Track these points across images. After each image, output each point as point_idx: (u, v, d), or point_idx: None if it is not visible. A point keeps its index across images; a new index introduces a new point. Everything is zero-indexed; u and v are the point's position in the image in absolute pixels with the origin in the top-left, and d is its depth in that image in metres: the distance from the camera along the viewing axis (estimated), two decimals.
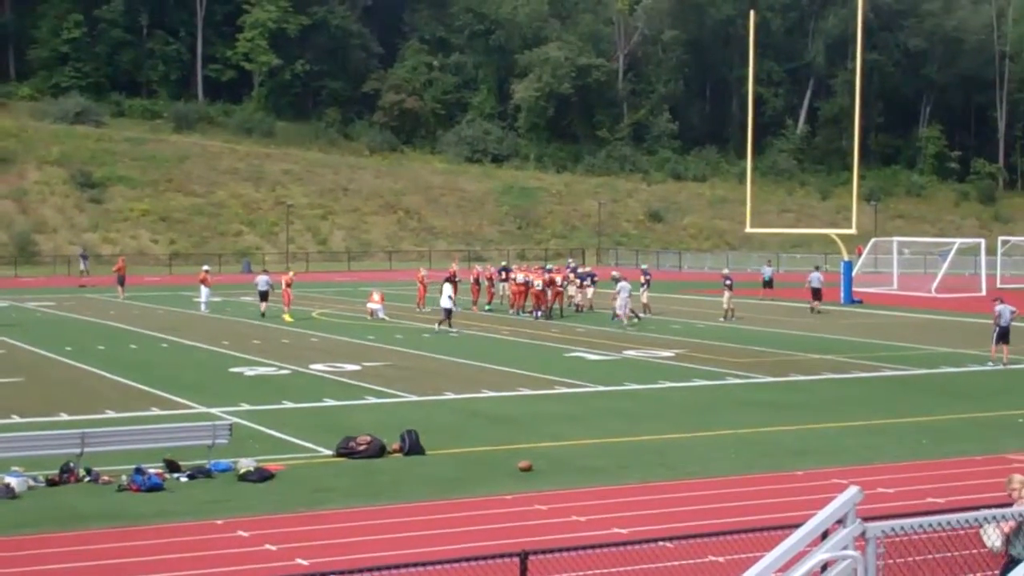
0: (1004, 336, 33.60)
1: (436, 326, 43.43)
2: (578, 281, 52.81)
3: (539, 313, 48.81)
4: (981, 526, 10.65)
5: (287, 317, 48.04)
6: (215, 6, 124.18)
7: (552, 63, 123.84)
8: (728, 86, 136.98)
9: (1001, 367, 33.24)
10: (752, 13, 65.38)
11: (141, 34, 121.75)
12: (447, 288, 44.39)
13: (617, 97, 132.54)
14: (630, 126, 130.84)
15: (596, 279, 53.60)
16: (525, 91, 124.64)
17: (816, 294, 52.24)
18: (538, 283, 49.46)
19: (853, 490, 9.21)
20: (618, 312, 45.40)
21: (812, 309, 51.68)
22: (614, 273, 51.69)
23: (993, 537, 10.83)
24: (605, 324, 46.05)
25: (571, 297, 52.68)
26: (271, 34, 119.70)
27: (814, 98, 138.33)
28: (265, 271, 55.99)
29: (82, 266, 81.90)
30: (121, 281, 61.06)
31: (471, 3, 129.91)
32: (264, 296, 50.07)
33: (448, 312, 43.66)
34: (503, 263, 59.83)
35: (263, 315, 49.03)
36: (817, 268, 56.43)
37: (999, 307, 33.77)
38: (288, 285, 49.90)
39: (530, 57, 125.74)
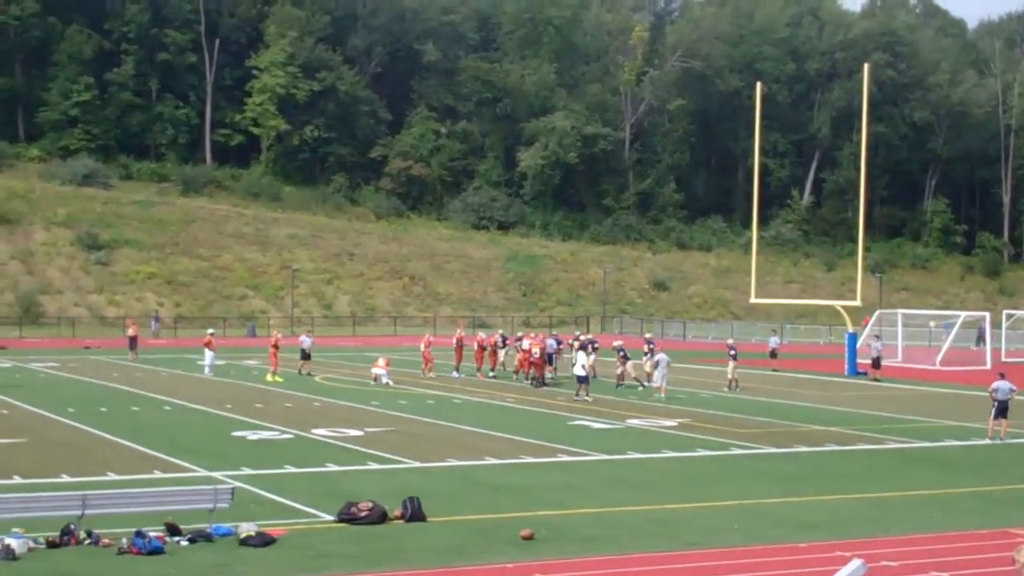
0: (1003, 411, 33.44)
1: (575, 395, 42.93)
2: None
3: (538, 381, 48.94)
4: None
5: (277, 378, 48.77)
6: (225, 71, 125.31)
7: (559, 132, 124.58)
8: (734, 157, 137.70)
9: (999, 442, 33.06)
10: (758, 85, 65.93)
11: (151, 98, 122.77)
12: (580, 356, 44.15)
13: (623, 166, 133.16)
14: (636, 195, 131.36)
15: (598, 346, 53.50)
16: (531, 159, 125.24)
17: (876, 362, 54.04)
18: (536, 351, 49.60)
19: (857, 563, 9.17)
20: (657, 384, 45.22)
21: (874, 377, 53.69)
22: (615, 343, 51.63)
23: None
24: (608, 392, 45.96)
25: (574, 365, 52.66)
26: (280, 99, 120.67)
27: (819, 170, 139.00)
28: (309, 332, 57.15)
29: (153, 327, 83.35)
30: (132, 344, 61.91)
31: (479, 72, 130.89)
32: (306, 356, 51.78)
33: (581, 379, 43.26)
34: (499, 331, 60.03)
35: (309, 374, 51.03)
36: (877, 337, 57.00)
37: (998, 383, 33.61)
38: (275, 347, 50.43)
39: (537, 126, 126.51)
